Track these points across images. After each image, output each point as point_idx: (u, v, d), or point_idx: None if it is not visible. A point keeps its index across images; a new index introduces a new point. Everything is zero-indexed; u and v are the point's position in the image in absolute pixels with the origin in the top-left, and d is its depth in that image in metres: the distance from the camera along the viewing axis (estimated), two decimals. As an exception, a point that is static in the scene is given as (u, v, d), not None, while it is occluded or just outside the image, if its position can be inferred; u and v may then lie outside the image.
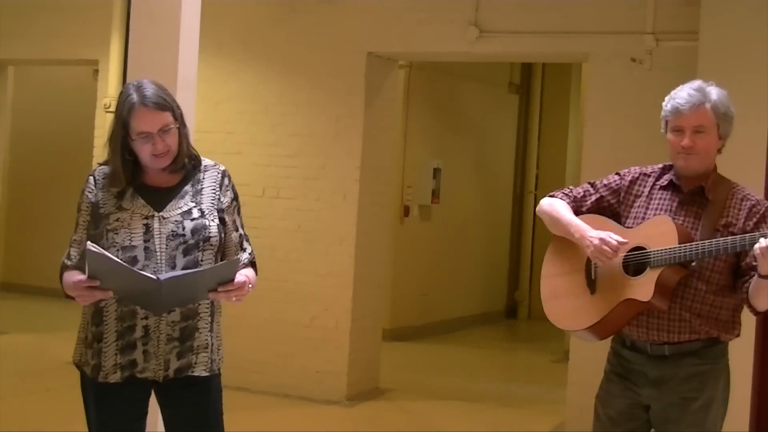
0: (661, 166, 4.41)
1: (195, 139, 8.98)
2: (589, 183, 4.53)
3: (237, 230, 4.21)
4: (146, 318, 3.93)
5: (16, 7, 10.67)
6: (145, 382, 4.01)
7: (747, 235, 3.96)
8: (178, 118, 4.06)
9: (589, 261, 4.33)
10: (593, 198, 4.45)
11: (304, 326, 9.21)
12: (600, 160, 8.06)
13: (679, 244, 4.05)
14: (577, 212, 4.42)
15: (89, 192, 4.06)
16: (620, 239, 4.16)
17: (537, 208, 4.55)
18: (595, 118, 8.26)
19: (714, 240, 4.01)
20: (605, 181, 4.47)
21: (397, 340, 12.11)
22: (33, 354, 9.91)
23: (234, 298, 3.94)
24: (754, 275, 4.03)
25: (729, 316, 4.23)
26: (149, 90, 3.98)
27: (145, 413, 4.13)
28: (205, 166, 4.20)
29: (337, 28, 9.16)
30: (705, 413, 4.24)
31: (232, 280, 3.90)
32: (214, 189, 4.14)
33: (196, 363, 4.03)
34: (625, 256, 4.20)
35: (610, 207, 4.42)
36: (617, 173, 4.46)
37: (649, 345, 4.22)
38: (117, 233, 3.93)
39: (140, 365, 3.96)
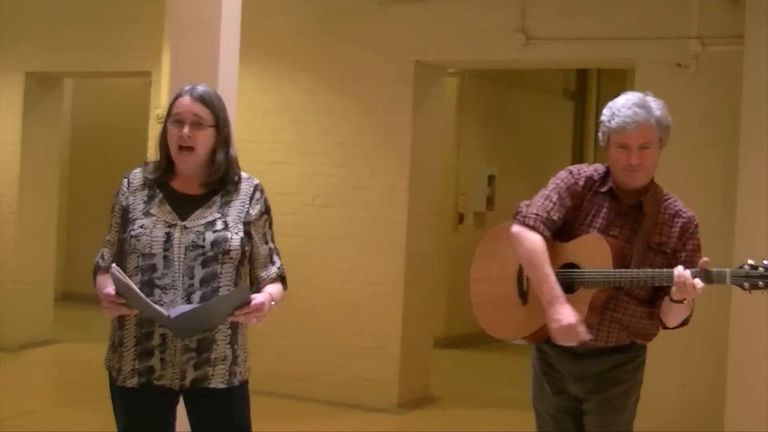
0: (604, 168, 4.36)
1: (243, 149, 9.06)
2: (555, 194, 4.33)
3: (267, 243, 4.18)
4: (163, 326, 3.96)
5: (71, 21, 10.84)
6: (165, 390, 4.02)
7: (675, 272, 4.00)
8: (220, 127, 4.09)
9: (520, 270, 4.34)
10: (563, 213, 4.32)
11: (354, 335, 9.22)
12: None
13: (614, 265, 4.11)
14: (554, 231, 4.30)
15: (122, 195, 4.11)
16: (585, 337, 4.10)
17: (516, 234, 4.27)
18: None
19: (645, 271, 4.10)
20: (563, 184, 4.34)
21: (452, 348, 12.09)
22: (85, 363, 10.02)
23: (254, 320, 3.95)
24: (666, 294, 4.13)
25: (651, 325, 4.33)
26: (200, 87, 4.09)
27: (171, 422, 4.15)
28: (239, 178, 4.18)
29: (385, 37, 9.18)
30: (625, 399, 4.36)
31: (249, 302, 3.91)
32: (243, 202, 4.11)
33: (213, 375, 4.02)
34: (557, 271, 4.19)
35: (568, 210, 4.36)
36: (570, 173, 4.37)
37: (574, 347, 4.27)
38: (139, 240, 3.96)
39: (157, 372, 3.98)
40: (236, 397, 4.13)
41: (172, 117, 4.02)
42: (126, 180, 4.15)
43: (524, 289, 4.32)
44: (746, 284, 3.94)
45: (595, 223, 4.27)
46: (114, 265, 3.82)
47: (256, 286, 4.14)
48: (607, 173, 4.34)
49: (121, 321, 4.02)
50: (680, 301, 4.04)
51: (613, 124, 4.18)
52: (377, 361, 9.14)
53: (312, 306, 9.28)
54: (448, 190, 12.13)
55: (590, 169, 4.42)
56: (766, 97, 7.33)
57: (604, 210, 4.27)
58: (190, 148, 4.02)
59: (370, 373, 9.16)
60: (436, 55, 9.14)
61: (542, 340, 4.31)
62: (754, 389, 7.28)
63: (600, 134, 4.27)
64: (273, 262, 4.20)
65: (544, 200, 4.34)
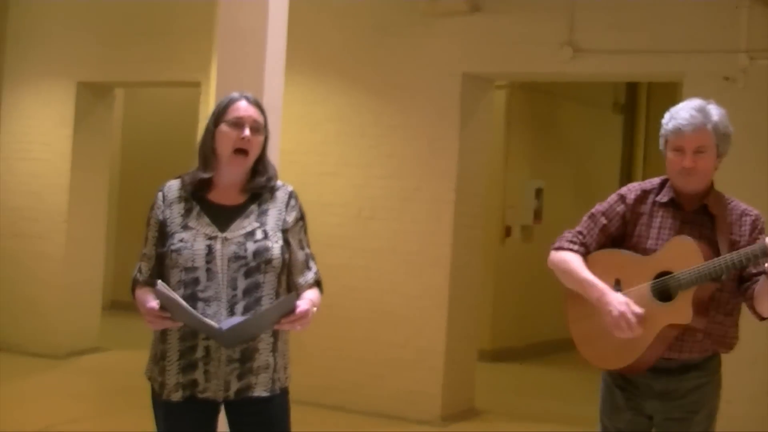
0: (659, 180, 4.39)
1: (290, 161, 9.21)
2: (587, 217, 4.46)
3: (303, 249, 4.20)
4: (207, 339, 3.96)
5: (123, 31, 10.95)
6: (209, 402, 4.04)
7: (750, 248, 3.97)
8: (267, 134, 4.14)
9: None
10: (597, 230, 4.40)
11: (399, 347, 9.22)
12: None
13: (705, 260, 4.04)
14: (587, 251, 4.38)
15: (158, 209, 4.13)
16: (638, 311, 4.08)
17: (549, 263, 4.43)
18: (690, 139, 8.14)
19: (740, 251, 4.01)
20: (605, 207, 4.42)
21: (498, 361, 12.07)
22: (132, 372, 10.06)
23: (298, 327, 3.97)
24: (757, 281, 4.08)
25: (734, 333, 4.32)
26: (250, 94, 4.15)
27: (214, 429, 4.17)
28: (275, 187, 4.21)
29: (432, 50, 9.19)
30: (708, 424, 4.33)
31: (294, 310, 3.93)
32: (279, 209, 4.14)
33: (256, 384, 4.04)
34: (652, 282, 4.16)
35: (617, 231, 4.39)
36: (618, 195, 4.42)
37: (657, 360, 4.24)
38: (180, 254, 3.98)
39: (201, 385, 4.00)
40: (277, 405, 4.15)
41: (231, 120, 4.03)
42: (161, 193, 4.16)
43: None
44: None
45: (662, 234, 4.27)
46: (159, 281, 3.84)
47: (295, 293, 4.14)
48: (663, 183, 4.36)
49: (163, 334, 4.05)
50: None
51: (670, 126, 4.22)
52: (421, 374, 9.13)
53: (357, 318, 9.29)
54: (496, 203, 12.11)
55: (641, 184, 4.45)
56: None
57: (669, 220, 4.27)
58: (246, 152, 4.05)
59: (413, 386, 9.15)
60: (483, 67, 9.14)
61: (647, 367, 4.23)
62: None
63: (660, 139, 4.30)
64: (309, 268, 4.22)
65: (578, 225, 4.47)
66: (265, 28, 5.99)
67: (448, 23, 9.11)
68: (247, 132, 4.02)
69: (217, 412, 4.15)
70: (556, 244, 4.45)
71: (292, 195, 4.21)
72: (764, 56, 7.81)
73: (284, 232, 4.11)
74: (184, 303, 3.83)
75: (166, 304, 3.83)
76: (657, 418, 4.32)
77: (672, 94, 13.62)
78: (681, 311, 4.07)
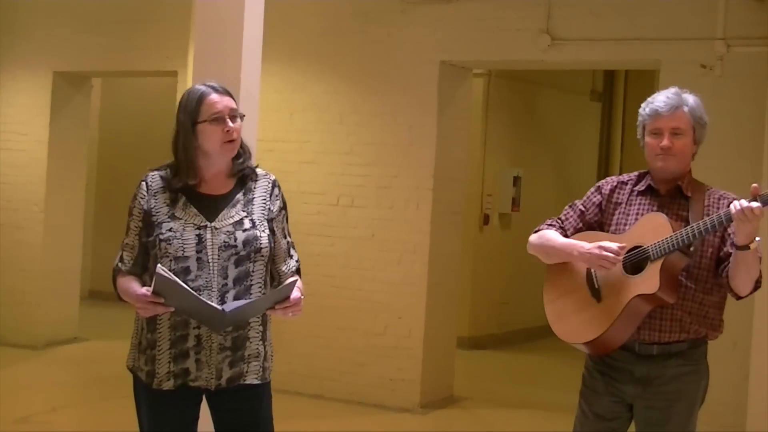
0: (636, 173, 4.48)
1: (269, 149, 9.21)
2: (567, 206, 4.58)
3: (285, 237, 4.23)
4: (198, 327, 3.98)
5: (99, 20, 10.91)
6: (198, 390, 4.06)
7: (734, 202, 3.99)
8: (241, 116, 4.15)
9: (589, 273, 4.35)
10: (575, 216, 4.51)
11: (378, 334, 9.24)
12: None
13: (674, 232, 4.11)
14: (564, 234, 4.48)
15: (141, 198, 4.10)
16: (617, 243, 4.18)
17: (528, 246, 4.53)
18: (668, 126, 8.16)
19: (705, 219, 4.07)
20: (584, 198, 4.54)
21: (476, 349, 12.11)
22: (111, 361, 10.06)
23: (291, 314, 4.00)
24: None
25: (716, 314, 4.31)
26: (215, 83, 4.13)
27: (196, 418, 4.19)
28: (257, 175, 4.22)
29: (410, 38, 9.19)
30: (689, 415, 4.32)
31: (288, 297, 3.95)
32: (264, 198, 4.16)
33: (247, 372, 4.07)
34: (624, 257, 4.21)
35: (593, 220, 4.48)
36: (595, 187, 4.53)
37: (637, 344, 4.27)
38: (170, 243, 3.98)
39: (193, 374, 4.01)
40: (264, 393, 4.19)
41: (210, 117, 4.01)
42: (144, 183, 4.14)
43: (596, 287, 4.32)
44: None
45: (640, 217, 4.33)
46: (159, 265, 3.82)
47: (278, 280, 4.18)
48: (641, 175, 4.44)
49: (152, 324, 4.04)
50: (746, 247, 3.97)
51: (647, 110, 4.30)
52: (400, 361, 9.16)
53: (336, 306, 9.31)
54: (474, 191, 12.13)
55: (619, 177, 4.54)
56: (792, 99, 7.33)
57: (646, 205, 4.33)
58: (233, 140, 4.06)
59: (393, 373, 9.18)
60: (461, 55, 9.14)
61: (619, 344, 4.26)
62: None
63: (638, 129, 4.37)
64: (291, 256, 4.26)
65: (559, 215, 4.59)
66: (242, 16, 5.96)
67: (426, 11, 9.11)
68: (230, 124, 4.02)
69: (200, 400, 4.17)
70: (535, 229, 4.56)
71: (275, 184, 4.24)
72: (741, 44, 7.83)
73: (270, 221, 4.14)
74: (185, 286, 3.82)
75: (165, 289, 3.80)
76: (637, 406, 4.32)
77: (649, 82, 13.70)
78: (648, 281, 4.11)
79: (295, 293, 3.99)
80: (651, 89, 14.15)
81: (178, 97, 10.16)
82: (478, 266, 12.28)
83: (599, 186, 4.52)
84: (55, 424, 8.24)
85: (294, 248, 4.29)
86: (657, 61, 8.28)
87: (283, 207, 4.24)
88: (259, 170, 4.25)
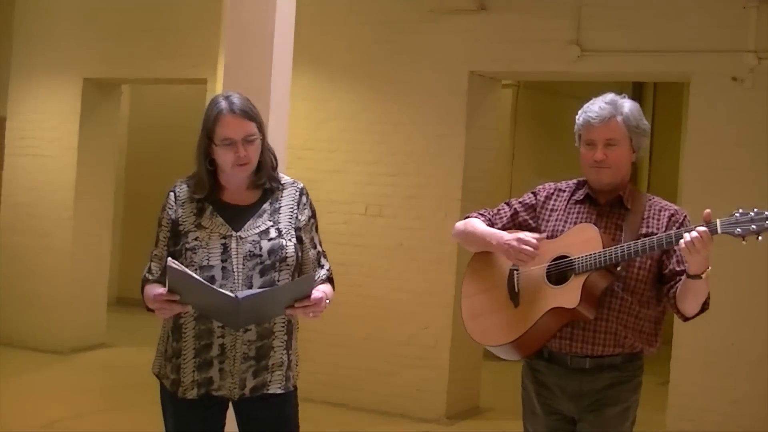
0: (575, 181, 4.38)
1: (297, 157, 9.21)
2: (504, 202, 4.49)
3: (315, 247, 4.21)
4: (222, 337, 3.97)
5: (129, 27, 10.96)
6: (222, 400, 4.06)
7: (672, 231, 3.90)
8: (263, 131, 4.11)
9: (511, 275, 4.26)
10: (508, 214, 4.41)
11: (403, 344, 9.22)
12: (701, 180, 7.96)
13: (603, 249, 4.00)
14: (492, 227, 4.37)
15: (169, 208, 4.12)
16: (536, 236, 4.12)
17: (453, 231, 4.50)
18: (697, 139, 8.14)
19: (638, 241, 3.94)
20: (520, 199, 4.44)
21: (500, 360, 12.02)
22: (138, 367, 10.07)
23: (311, 314, 3.96)
24: (680, 280, 3.98)
25: (652, 328, 4.18)
26: (237, 99, 4.06)
27: (222, 426, 4.19)
28: (283, 184, 4.21)
29: (439, 48, 9.18)
30: (622, 420, 4.18)
31: (309, 295, 3.92)
32: (291, 207, 4.15)
33: (271, 381, 4.06)
34: (548, 265, 4.12)
35: (525, 223, 4.36)
36: (531, 191, 4.44)
37: (569, 357, 4.13)
38: (195, 252, 3.99)
39: (216, 383, 4.01)
40: (289, 402, 4.18)
41: (222, 141, 4.00)
42: (172, 193, 4.16)
43: (515, 290, 4.21)
44: (738, 230, 3.73)
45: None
46: (170, 258, 3.83)
47: (312, 274, 4.12)
48: (579, 183, 4.34)
49: (176, 333, 4.05)
50: (698, 276, 3.82)
51: (581, 120, 4.20)
52: (426, 371, 9.13)
53: (363, 315, 9.30)
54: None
55: (557, 184, 4.43)
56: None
57: (584, 214, 4.22)
58: (246, 164, 4.05)
59: (419, 383, 9.15)
60: (489, 66, 9.12)
61: (534, 350, 4.16)
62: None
63: (575, 136, 4.28)
64: (322, 266, 4.23)
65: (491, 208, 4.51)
66: (272, 25, 5.99)
67: (455, 21, 9.09)
68: (241, 151, 4.00)
69: (225, 408, 4.17)
70: (465, 216, 4.52)
71: (303, 192, 4.22)
72: (773, 56, 7.81)
73: (298, 230, 4.13)
74: (195, 275, 3.82)
75: (177, 282, 3.79)
76: (579, 421, 4.20)
77: (678, 95, 13.67)
78: (568, 295, 4.01)
79: (317, 293, 3.96)
80: (680, 102, 14.17)
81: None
82: (504, 277, 12.23)
83: (535, 191, 4.42)
84: (80, 430, 8.24)
85: (325, 258, 4.27)
86: (687, 73, 8.23)
87: (312, 216, 4.23)
88: (286, 178, 4.24)
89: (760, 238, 3.74)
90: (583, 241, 4.06)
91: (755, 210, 3.74)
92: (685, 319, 4.10)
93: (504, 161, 12.05)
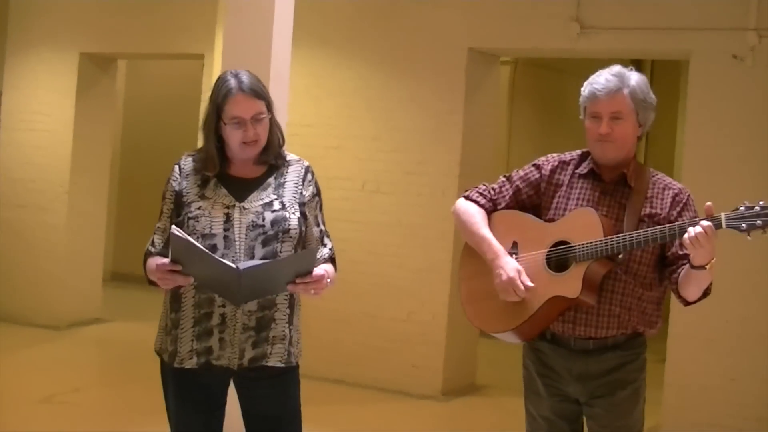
0: (579, 152, 4.27)
1: (295, 133, 9.18)
2: (504, 177, 4.37)
3: (318, 225, 4.21)
4: (223, 306, 3.96)
5: (126, 1, 10.90)
6: (222, 371, 4.04)
7: (676, 224, 3.85)
8: (272, 110, 4.10)
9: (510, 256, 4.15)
10: (510, 192, 4.28)
11: (402, 321, 9.22)
12: (702, 159, 7.94)
13: (604, 236, 3.93)
14: (494, 208, 4.28)
15: (173, 180, 4.12)
16: (528, 283, 3.98)
17: (452, 208, 4.37)
18: (698, 117, 8.11)
19: (641, 231, 3.89)
20: (522, 173, 4.31)
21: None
22: (134, 343, 10.12)
23: (312, 291, 3.95)
24: (682, 264, 3.94)
25: (654, 309, 4.12)
26: (246, 78, 4.05)
27: (224, 403, 4.18)
28: (289, 161, 4.20)
29: (439, 24, 9.14)
30: (635, 402, 4.14)
31: (311, 272, 3.91)
32: (296, 183, 4.14)
33: (271, 353, 4.04)
34: (548, 251, 4.06)
35: (529, 200, 4.26)
36: (534, 164, 4.31)
37: (573, 339, 4.08)
38: (198, 221, 3.98)
39: (216, 352, 3.99)
40: (291, 379, 4.17)
41: (231, 119, 3.99)
42: (177, 166, 4.16)
43: None
44: (744, 225, 3.68)
45: (580, 205, 4.11)
46: (174, 226, 3.82)
47: (313, 249, 4.12)
48: (584, 155, 4.23)
49: (176, 303, 4.04)
50: (702, 267, 3.78)
51: (586, 92, 4.09)
52: (424, 348, 9.14)
53: (361, 291, 9.29)
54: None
55: (560, 155, 4.31)
56: (823, 90, 7.27)
57: (588, 191, 4.12)
58: (255, 142, 4.04)
59: (416, 360, 9.16)
60: (489, 42, 9.08)
61: (535, 336, 4.12)
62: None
63: (580, 108, 4.17)
64: (324, 244, 4.22)
65: (493, 183, 4.36)
66: (272, 3, 5.97)
67: (455, -3, 9.06)
68: (250, 131, 4.00)
69: (227, 384, 4.16)
70: (466, 193, 4.37)
71: (308, 170, 4.22)
72: (774, 35, 7.78)
73: (302, 205, 4.12)
74: (198, 244, 3.80)
75: (180, 250, 3.78)
76: (583, 400, 4.15)
77: (675, 72, 13.65)
78: (570, 284, 3.96)
79: (319, 270, 3.95)
80: (677, 79, 14.13)
81: (204, 80, 10.23)
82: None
83: (539, 165, 4.29)
84: (77, 404, 8.26)
85: (328, 237, 4.26)
86: (688, 51, 8.20)
87: (317, 194, 4.22)
88: (291, 156, 4.24)
89: (766, 232, 3.69)
90: (584, 226, 3.99)
91: (761, 203, 3.69)
92: (687, 303, 4.04)
93: (501, 138, 12.01)
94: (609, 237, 3.92)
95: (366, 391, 9.12)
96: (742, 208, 3.72)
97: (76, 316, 11.33)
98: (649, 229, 3.89)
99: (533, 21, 8.75)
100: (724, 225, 3.71)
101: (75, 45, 11.23)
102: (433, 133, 9.15)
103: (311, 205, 4.17)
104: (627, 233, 3.92)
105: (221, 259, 3.82)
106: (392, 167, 9.31)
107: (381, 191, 9.35)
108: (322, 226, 4.24)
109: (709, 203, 3.75)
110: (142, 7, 10.83)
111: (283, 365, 4.08)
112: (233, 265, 3.77)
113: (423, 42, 9.22)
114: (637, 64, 14.43)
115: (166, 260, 3.86)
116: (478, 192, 4.34)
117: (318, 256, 4.12)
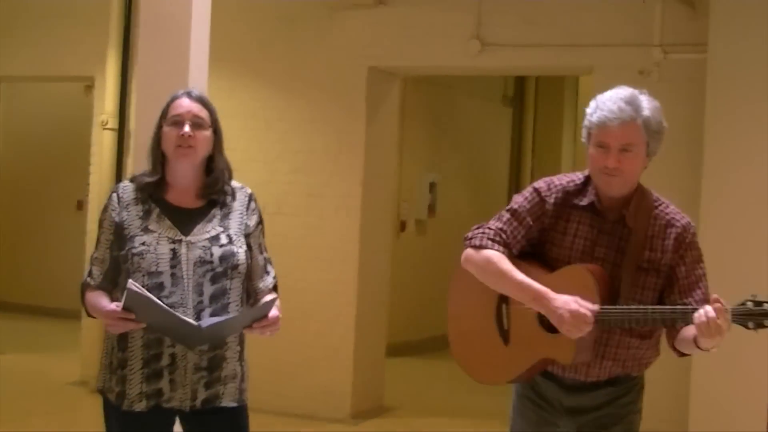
0: (581, 178, 3.89)
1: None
2: (509, 213, 3.91)
3: (262, 253, 4.12)
4: (173, 346, 3.83)
5: (6, 23, 10.54)
6: (171, 411, 3.91)
7: (689, 308, 3.57)
8: (217, 132, 4.04)
9: (499, 306, 3.91)
10: (522, 232, 3.87)
11: (309, 345, 9.11)
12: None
13: (600, 298, 3.63)
14: (509, 254, 3.85)
15: (112, 210, 3.94)
16: (591, 307, 3.58)
17: (464, 260, 3.90)
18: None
19: (648, 308, 3.64)
20: (528, 206, 3.89)
21: (396, 356, 11.99)
22: (32, 375, 9.79)
23: (268, 333, 3.90)
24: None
25: (651, 353, 3.90)
26: (196, 91, 4.04)
27: (170, 440, 4.04)
28: (232, 188, 4.09)
29: (338, 43, 9.08)
30: None
31: (267, 315, 3.84)
32: (241, 213, 4.04)
33: (224, 393, 3.95)
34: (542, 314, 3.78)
35: (538, 234, 3.91)
36: (538, 194, 3.89)
37: (564, 378, 3.88)
38: (143, 257, 3.82)
39: (166, 395, 3.85)
40: (241, 415, 4.08)
41: (170, 119, 3.90)
42: (115, 195, 3.98)
43: (504, 327, 3.88)
44: (750, 324, 3.45)
45: (576, 244, 3.81)
46: (131, 281, 3.66)
47: (254, 297, 4.07)
48: (585, 182, 3.85)
49: (123, 342, 3.87)
50: (708, 350, 3.55)
51: (595, 118, 3.70)
52: (331, 372, 9.06)
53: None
54: (390, 197, 12.05)
55: (564, 179, 3.92)
56: (730, 105, 7.38)
57: (586, 228, 3.80)
58: (190, 147, 3.89)
59: (324, 384, 9.07)
60: (389, 61, 9.06)
61: (533, 377, 3.93)
62: (718, 389, 7.31)
63: (583, 130, 3.82)
64: (268, 272, 4.14)
65: (496, 221, 3.92)
66: (188, 17, 5.85)
67: (353, 15, 9.01)
68: (186, 129, 3.87)
69: (173, 422, 4.01)
70: (476, 242, 3.87)
71: (251, 198, 4.13)
72: (678, 50, 7.90)
73: (247, 236, 4.02)
74: (158, 301, 3.67)
75: (137, 305, 3.65)
76: None
77: (559, 87, 13.85)
78: (563, 350, 3.71)
79: (274, 311, 3.88)
80: (562, 94, 14.30)
81: (96, 104, 9.92)
82: (395, 273, 12.17)
83: (543, 197, 3.89)
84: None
85: (271, 264, 4.17)
86: (591, 66, 8.28)
87: (260, 221, 4.14)
88: (234, 183, 4.13)
89: None
90: (579, 288, 3.64)
91: None
92: (680, 354, 3.80)
93: (393, 157, 11.98)
94: (606, 308, 3.63)
95: (274, 416, 8.92)
96: (749, 303, 3.48)
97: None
98: (650, 307, 3.66)
99: (434, 39, 8.76)
100: (729, 320, 3.46)
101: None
102: (335, 153, 9.08)
103: (255, 233, 4.08)
104: (625, 307, 3.66)
105: (183, 317, 3.69)
106: (295, 189, 9.22)
107: (282, 213, 9.22)
108: (265, 254, 4.14)
109: (715, 296, 3.50)
110: (23, 28, 10.47)
111: (236, 404, 3.99)
112: (195, 323, 3.68)
113: (322, 61, 9.14)
114: (522, 79, 14.61)
115: (115, 305, 3.71)
116: (488, 239, 3.86)
117: (263, 286, 4.06)
